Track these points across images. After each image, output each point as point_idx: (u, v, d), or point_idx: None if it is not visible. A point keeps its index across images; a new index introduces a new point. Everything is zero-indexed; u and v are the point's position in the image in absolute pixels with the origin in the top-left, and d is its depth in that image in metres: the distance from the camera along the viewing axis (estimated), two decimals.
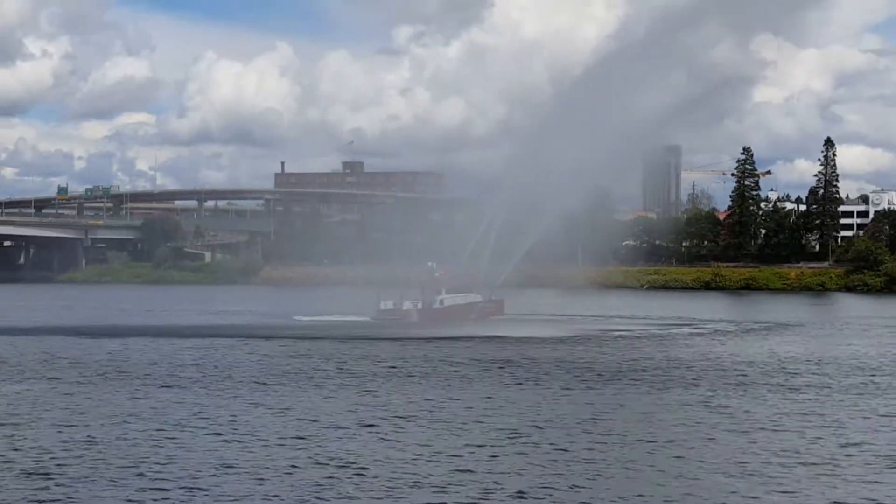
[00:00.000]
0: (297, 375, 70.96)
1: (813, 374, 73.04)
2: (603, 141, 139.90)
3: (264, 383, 66.90)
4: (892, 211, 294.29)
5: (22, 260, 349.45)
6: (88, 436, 47.89)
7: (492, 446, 45.60)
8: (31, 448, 45.09)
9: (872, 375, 72.44)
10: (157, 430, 49.30)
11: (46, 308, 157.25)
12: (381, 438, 47.43)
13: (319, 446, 45.52)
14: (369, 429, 49.72)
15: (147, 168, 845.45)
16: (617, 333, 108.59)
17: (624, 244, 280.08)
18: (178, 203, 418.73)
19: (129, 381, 67.23)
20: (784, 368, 76.14)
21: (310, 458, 43.14)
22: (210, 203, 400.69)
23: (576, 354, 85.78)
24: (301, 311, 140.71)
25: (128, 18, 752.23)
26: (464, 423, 51.11)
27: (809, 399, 60.77)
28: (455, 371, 73.34)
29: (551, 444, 46.02)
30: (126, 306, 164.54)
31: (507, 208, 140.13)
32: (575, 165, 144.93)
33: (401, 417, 53.03)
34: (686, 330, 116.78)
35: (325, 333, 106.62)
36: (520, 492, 37.63)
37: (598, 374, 71.41)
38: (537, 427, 50.29)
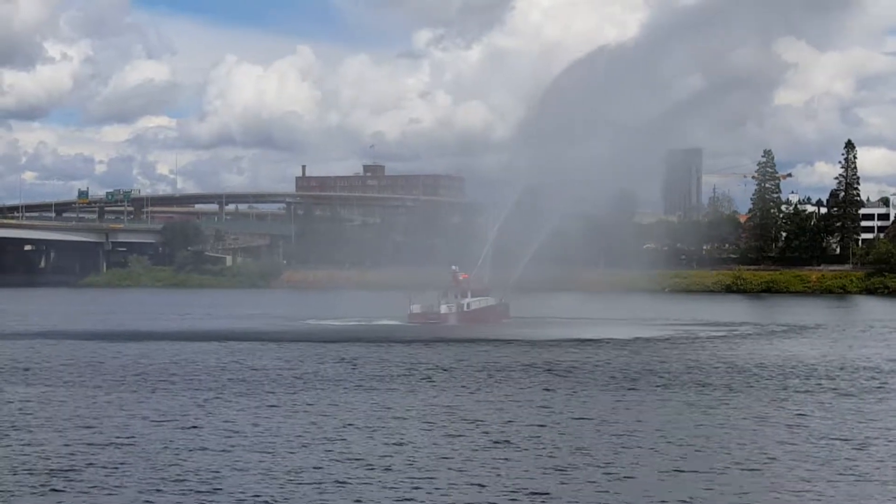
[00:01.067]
0: (393, 379, 70.74)
1: (846, 378, 73.21)
2: (622, 142, 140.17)
3: (362, 386, 67.06)
4: None
5: (42, 264, 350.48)
6: (131, 437, 48.31)
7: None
8: (40, 449, 45.48)
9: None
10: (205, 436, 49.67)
11: (64, 313, 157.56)
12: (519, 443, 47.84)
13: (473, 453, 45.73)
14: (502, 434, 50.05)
15: (168, 172, 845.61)
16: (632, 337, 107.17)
17: (645, 247, 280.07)
18: (199, 207, 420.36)
19: (189, 387, 67.46)
20: (814, 372, 76.29)
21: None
22: (231, 207, 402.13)
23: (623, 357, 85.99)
24: (329, 314, 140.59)
25: (148, 22, 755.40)
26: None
27: (843, 401, 61.00)
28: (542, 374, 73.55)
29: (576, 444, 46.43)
30: (163, 311, 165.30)
31: (519, 210, 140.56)
32: (594, 168, 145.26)
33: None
34: (706, 332, 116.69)
35: (372, 336, 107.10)
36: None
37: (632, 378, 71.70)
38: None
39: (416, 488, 38.66)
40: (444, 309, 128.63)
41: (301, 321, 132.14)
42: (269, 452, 45.02)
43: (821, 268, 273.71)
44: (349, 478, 40.28)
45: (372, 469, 41.71)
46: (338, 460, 43.37)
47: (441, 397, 61.89)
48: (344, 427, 51.00)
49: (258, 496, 37.63)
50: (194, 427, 51.23)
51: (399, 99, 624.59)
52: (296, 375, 72.44)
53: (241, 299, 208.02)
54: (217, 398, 61.42)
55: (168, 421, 53.10)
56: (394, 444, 46.79)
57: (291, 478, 40.38)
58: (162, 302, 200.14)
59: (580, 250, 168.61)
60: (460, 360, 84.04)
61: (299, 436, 48.84)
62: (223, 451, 45.37)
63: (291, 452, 45.07)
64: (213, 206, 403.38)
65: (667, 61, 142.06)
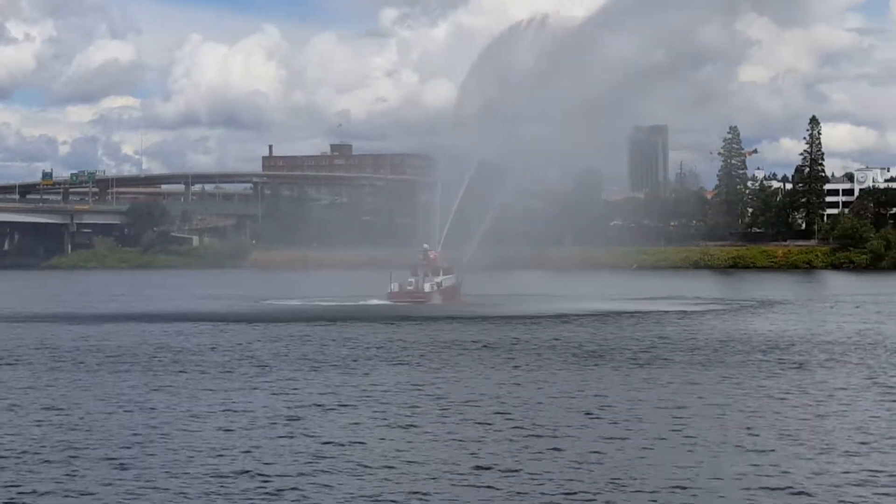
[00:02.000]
0: (422, 358, 70.39)
1: (803, 350, 73.48)
2: (584, 119, 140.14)
3: (402, 363, 67.25)
4: (877, 189, 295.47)
5: (6, 246, 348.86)
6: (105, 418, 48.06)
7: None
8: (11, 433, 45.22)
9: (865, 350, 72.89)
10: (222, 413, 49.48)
11: (23, 295, 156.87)
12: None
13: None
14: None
15: (133, 152, 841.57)
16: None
17: (612, 224, 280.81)
18: (165, 187, 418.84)
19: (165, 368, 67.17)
20: (776, 345, 76.57)
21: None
22: (197, 187, 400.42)
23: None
24: (309, 294, 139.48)
25: (112, 1, 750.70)
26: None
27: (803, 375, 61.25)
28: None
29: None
30: (124, 292, 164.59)
31: (480, 188, 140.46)
32: (557, 145, 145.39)
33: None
34: (670, 307, 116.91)
35: (367, 315, 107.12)
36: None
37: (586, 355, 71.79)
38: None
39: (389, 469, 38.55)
40: (427, 287, 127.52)
41: (289, 300, 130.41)
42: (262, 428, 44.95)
43: (787, 243, 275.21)
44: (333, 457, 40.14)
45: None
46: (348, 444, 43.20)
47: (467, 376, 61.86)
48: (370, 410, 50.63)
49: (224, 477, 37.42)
50: (155, 408, 50.90)
51: (365, 77, 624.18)
52: (307, 356, 71.92)
53: (207, 280, 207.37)
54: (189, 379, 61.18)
55: (125, 402, 52.73)
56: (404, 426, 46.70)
57: (266, 460, 40.19)
58: (124, 283, 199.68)
59: (546, 228, 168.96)
60: (479, 337, 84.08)
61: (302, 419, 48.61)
62: (190, 431, 45.15)
63: (280, 435, 44.81)
64: (180, 187, 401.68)
65: (630, 39, 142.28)
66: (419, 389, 56.70)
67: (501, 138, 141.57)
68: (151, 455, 40.90)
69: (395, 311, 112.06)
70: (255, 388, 57.54)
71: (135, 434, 44.90)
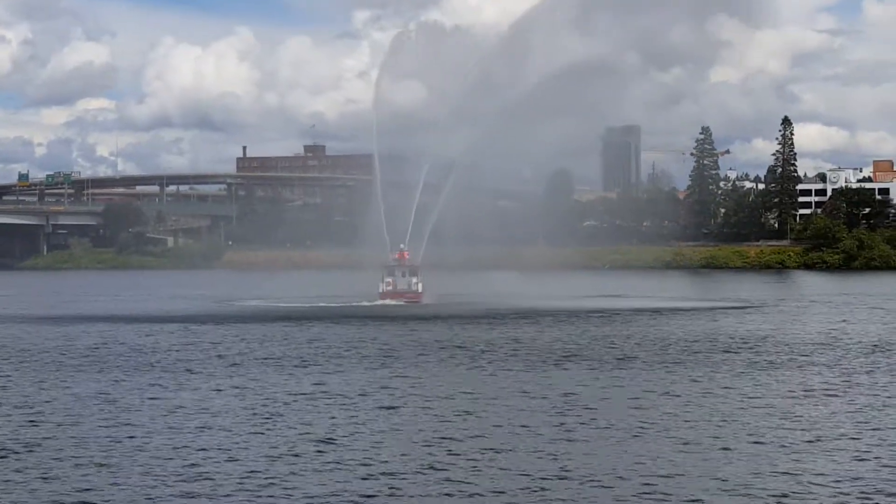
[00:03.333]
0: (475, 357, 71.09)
1: (773, 350, 74.31)
2: (560, 123, 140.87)
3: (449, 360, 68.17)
4: (850, 189, 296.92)
5: None
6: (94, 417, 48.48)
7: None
8: None
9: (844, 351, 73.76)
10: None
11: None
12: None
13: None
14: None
15: (108, 154, 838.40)
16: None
17: (585, 225, 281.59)
18: (140, 188, 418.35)
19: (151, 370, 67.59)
20: (746, 345, 77.39)
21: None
22: (172, 188, 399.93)
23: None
24: (298, 294, 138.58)
25: (86, 4, 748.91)
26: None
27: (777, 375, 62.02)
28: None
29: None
30: (100, 292, 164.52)
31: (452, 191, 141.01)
32: (533, 148, 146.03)
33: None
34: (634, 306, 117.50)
35: (368, 314, 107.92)
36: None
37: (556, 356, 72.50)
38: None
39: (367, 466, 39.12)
40: (419, 287, 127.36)
41: (285, 302, 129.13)
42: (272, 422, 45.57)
43: (759, 243, 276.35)
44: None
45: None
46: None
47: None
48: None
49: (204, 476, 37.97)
50: (137, 408, 51.43)
51: (338, 79, 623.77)
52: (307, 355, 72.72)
53: (181, 280, 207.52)
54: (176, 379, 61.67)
55: (101, 402, 53.24)
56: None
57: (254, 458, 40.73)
58: (96, 284, 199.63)
59: (519, 228, 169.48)
60: (500, 336, 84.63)
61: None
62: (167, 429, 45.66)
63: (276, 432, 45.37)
64: (154, 188, 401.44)
65: (601, 39, 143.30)
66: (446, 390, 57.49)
67: (471, 138, 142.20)
68: (128, 454, 41.46)
69: (402, 311, 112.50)
70: (267, 386, 58.10)
71: (107, 432, 45.47)
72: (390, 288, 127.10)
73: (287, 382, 59.34)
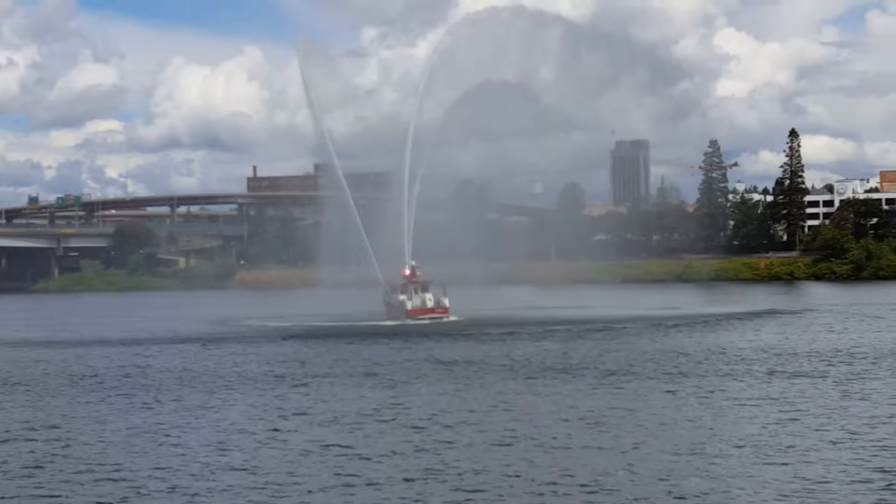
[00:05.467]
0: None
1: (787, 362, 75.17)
2: (572, 138, 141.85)
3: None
4: (857, 199, 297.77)
5: None
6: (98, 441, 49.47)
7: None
8: None
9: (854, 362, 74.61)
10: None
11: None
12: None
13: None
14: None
15: (117, 175, 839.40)
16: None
17: (596, 239, 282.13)
18: (150, 209, 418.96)
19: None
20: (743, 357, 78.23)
21: None
22: (182, 209, 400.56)
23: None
24: (323, 313, 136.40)
25: (95, 26, 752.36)
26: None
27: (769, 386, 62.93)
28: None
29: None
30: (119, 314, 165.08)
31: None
32: (545, 163, 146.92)
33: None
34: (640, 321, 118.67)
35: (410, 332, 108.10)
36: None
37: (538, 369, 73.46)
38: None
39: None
40: (446, 302, 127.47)
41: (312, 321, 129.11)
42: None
43: (769, 255, 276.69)
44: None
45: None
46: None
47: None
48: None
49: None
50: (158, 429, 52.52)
51: (346, 97, 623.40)
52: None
53: (195, 300, 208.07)
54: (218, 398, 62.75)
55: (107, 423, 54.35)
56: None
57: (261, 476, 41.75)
58: (109, 306, 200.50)
59: (532, 244, 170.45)
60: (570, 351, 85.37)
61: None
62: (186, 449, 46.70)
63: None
64: (165, 209, 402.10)
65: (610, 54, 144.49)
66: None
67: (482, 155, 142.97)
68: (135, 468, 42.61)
69: (431, 328, 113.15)
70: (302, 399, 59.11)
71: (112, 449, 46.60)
72: (419, 305, 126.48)
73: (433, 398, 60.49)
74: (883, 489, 36.51)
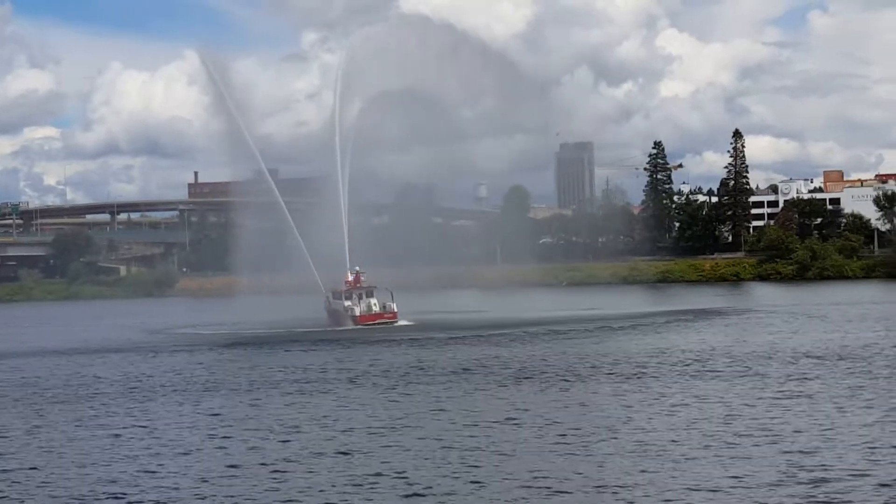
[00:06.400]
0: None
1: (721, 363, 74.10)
2: (515, 141, 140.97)
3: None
4: (801, 200, 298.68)
5: None
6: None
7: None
8: None
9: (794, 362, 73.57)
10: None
11: None
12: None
13: None
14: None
15: (56, 183, 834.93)
16: None
17: (541, 242, 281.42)
18: (90, 217, 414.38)
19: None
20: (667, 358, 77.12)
21: None
22: (123, 216, 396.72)
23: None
24: (276, 320, 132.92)
25: (30, 31, 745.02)
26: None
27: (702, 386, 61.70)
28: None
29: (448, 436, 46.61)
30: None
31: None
32: (489, 166, 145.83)
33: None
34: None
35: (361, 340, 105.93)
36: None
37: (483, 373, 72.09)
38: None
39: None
40: (394, 307, 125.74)
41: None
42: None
43: (714, 256, 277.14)
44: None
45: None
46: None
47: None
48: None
49: None
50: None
51: (287, 101, 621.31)
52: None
53: (136, 308, 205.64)
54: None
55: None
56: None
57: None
58: (56, 315, 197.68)
59: (477, 247, 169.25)
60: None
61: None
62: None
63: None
64: (105, 216, 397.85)
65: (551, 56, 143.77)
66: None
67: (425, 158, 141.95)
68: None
69: (383, 335, 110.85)
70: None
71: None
72: (365, 311, 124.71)
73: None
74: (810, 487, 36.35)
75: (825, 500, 35.15)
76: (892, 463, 40.22)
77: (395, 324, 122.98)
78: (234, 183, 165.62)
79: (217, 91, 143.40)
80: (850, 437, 45.06)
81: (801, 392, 58.39)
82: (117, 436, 51.86)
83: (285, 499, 37.91)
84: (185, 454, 46.52)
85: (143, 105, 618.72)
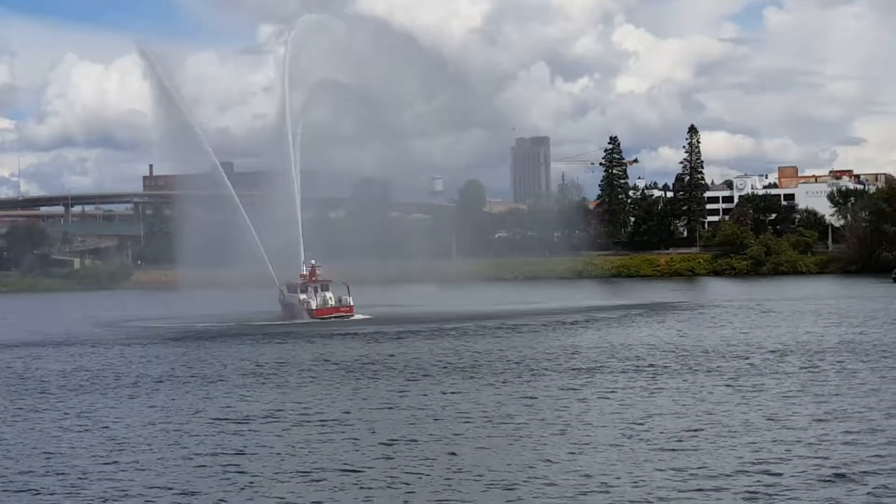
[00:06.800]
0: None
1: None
2: (471, 135, 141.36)
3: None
4: (756, 195, 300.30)
5: None
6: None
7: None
8: None
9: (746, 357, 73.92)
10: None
11: None
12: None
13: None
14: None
15: (9, 175, 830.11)
16: None
17: (497, 236, 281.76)
18: (44, 209, 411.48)
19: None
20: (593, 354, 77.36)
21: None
22: (77, 209, 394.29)
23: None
24: (214, 314, 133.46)
25: None
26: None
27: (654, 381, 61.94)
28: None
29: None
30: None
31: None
32: (445, 161, 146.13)
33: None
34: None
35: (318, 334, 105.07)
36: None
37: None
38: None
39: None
40: (350, 301, 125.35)
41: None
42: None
43: (669, 251, 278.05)
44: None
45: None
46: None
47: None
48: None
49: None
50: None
51: (244, 94, 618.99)
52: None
53: (89, 301, 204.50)
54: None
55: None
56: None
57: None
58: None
59: (433, 241, 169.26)
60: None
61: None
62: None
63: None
64: (59, 209, 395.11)
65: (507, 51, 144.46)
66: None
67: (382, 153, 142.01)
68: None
69: (340, 328, 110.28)
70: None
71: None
72: (322, 305, 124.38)
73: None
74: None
75: (773, 493, 35.28)
76: (841, 455, 40.45)
77: (352, 317, 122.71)
78: (183, 176, 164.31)
79: (158, 84, 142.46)
80: (798, 432, 45.28)
81: (750, 387, 58.68)
82: (66, 429, 51.63)
83: (237, 490, 37.82)
84: (134, 447, 46.30)
85: (98, 97, 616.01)
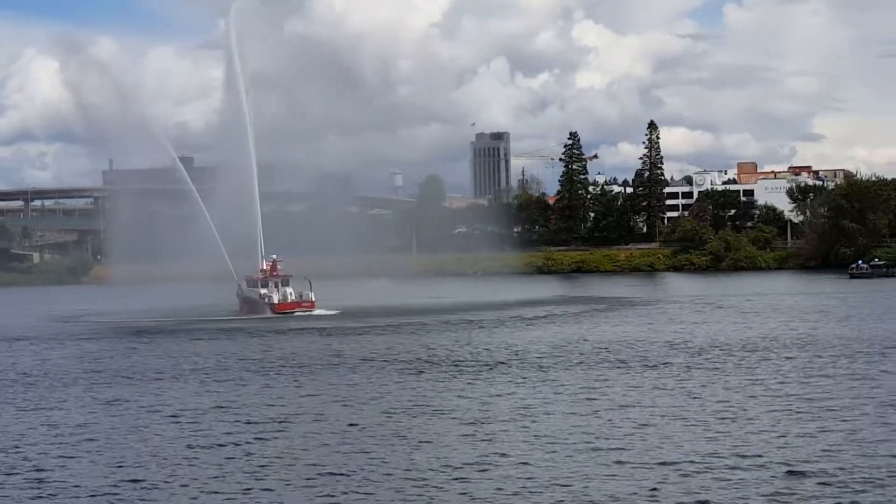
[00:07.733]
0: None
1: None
2: (431, 130, 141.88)
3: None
4: (715, 191, 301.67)
5: None
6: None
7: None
8: None
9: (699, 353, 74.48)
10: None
11: None
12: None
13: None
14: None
15: None
16: None
17: (457, 231, 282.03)
18: (3, 204, 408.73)
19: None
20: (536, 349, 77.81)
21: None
22: (37, 203, 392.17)
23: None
24: (172, 308, 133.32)
25: None
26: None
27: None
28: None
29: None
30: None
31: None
32: (404, 156, 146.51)
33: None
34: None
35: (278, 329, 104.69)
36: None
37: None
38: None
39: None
40: (312, 296, 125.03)
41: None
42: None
43: (629, 247, 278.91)
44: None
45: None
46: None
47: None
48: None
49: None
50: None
51: (203, 89, 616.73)
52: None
53: (47, 296, 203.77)
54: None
55: None
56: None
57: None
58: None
59: (392, 236, 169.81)
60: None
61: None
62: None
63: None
64: (18, 203, 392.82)
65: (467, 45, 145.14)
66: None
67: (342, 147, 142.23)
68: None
69: (301, 323, 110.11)
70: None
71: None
72: (282, 300, 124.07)
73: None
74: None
75: (727, 487, 35.53)
76: (794, 448, 40.90)
77: (313, 312, 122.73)
78: (139, 171, 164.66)
79: (72, 78, 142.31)
80: (752, 425, 45.72)
81: (705, 381, 59.18)
82: (24, 422, 51.60)
83: (193, 484, 37.92)
84: (91, 440, 46.31)
85: (58, 91, 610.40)
